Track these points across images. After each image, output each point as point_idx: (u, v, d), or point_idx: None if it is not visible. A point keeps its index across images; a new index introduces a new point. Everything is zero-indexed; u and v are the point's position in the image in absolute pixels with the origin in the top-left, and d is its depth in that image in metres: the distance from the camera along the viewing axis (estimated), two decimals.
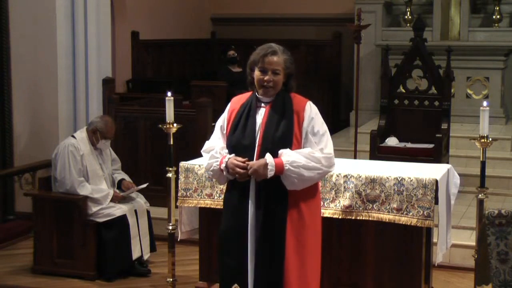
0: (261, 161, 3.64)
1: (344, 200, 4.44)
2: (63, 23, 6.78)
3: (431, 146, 6.65)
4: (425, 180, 4.30)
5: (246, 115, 3.78)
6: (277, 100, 3.77)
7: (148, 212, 5.85)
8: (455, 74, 7.23)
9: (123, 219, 5.59)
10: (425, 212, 4.28)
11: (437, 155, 6.49)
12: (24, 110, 6.89)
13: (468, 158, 7.62)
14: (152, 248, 5.85)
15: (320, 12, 11.29)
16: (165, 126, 4.75)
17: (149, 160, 6.98)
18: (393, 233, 4.43)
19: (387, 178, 4.38)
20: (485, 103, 4.36)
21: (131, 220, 5.64)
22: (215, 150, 3.83)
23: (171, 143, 4.80)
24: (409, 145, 6.80)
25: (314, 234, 3.82)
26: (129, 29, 9.75)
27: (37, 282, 5.55)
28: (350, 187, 4.43)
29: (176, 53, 10.92)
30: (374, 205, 4.39)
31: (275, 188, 3.68)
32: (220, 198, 4.41)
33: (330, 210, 4.46)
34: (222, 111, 3.97)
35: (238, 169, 3.65)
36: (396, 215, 4.35)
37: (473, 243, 4.99)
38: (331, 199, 4.47)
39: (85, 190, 5.55)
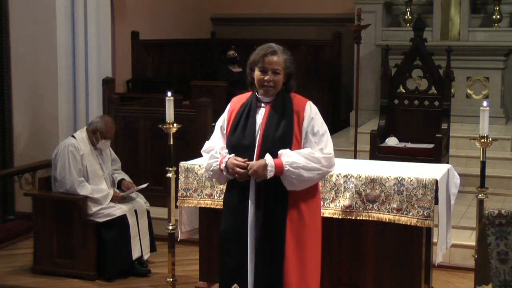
0: (261, 161, 3.64)
1: (344, 200, 4.44)
2: (63, 23, 6.78)
3: (431, 146, 6.65)
4: (425, 180, 4.30)
5: (246, 115, 3.78)
6: (277, 100, 3.77)
7: (148, 212, 5.85)
8: (455, 74, 7.23)
9: (123, 219, 5.59)
10: (425, 212, 4.28)
11: (437, 155, 6.49)
12: (24, 110, 6.89)
13: (468, 158, 7.62)
14: (152, 248, 5.85)
15: (320, 12, 11.29)
16: (165, 126, 4.75)
17: (149, 160, 6.98)
18: (393, 233, 4.43)
19: (387, 178, 4.38)
20: (485, 103, 4.36)
21: (131, 220, 5.64)
22: (215, 150, 3.83)
23: (171, 143, 4.80)
24: (409, 145, 6.80)
25: (314, 234, 3.82)
26: (129, 29, 9.75)
27: (37, 282, 5.55)
28: (350, 187, 4.43)
29: (176, 53, 10.92)
30: (374, 205, 4.39)
31: (275, 188, 3.68)
32: (220, 198, 4.41)
33: (330, 210, 4.46)
34: (222, 111, 3.97)
35: (238, 169, 3.65)
36: (396, 215, 4.35)
37: (473, 243, 4.98)
38: (331, 199, 4.47)
39: (85, 190, 5.55)
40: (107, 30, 7.32)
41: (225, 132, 3.87)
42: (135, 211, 5.71)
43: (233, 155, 3.72)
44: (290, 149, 3.67)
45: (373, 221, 4.42)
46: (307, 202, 3.76)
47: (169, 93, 4.74)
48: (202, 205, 4.77)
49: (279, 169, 3.62)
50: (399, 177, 4.36)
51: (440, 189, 4.32)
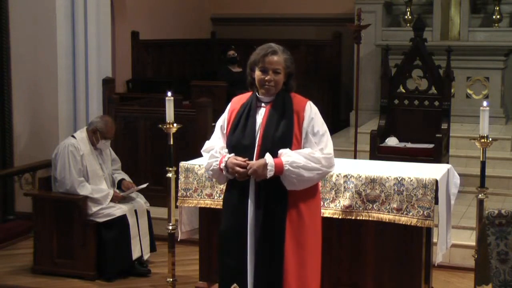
0: (261, 161, 3.64)
1: (344, 200, 4.44)
2: (63, 23, 6.78)
3: (431, 146, 6.65)
4: (425, 180, 4.30)
5: (246, 115, 3.78)
6: (277, 100, 3.77)
7: (148, 212, 5.85)
8: (455, 74, 7.23)
9: (123, 219, 5.59)
10: (425, 212, 4.28)
11: (437, 155, 6.48)
12: (24, 110, 6.89)
13: (468, 158, 7.62)
14: (152, 248, 5.85)
15: (320, 12, 11.29)
16: (165, 126, 4.75)
17: (149, 160, 6.98)
18: (393, 233, 4.43)
19: (387, 178, 4.38)
20: (485, 103, 4.36)
21: (131, 220, 5.64)
22: (215, 149, 3.83)
23: (171, 143, 4.80)
24: (409, 145, 6.80)
25: (314, 235, 3.81)
26: (129, 29, 9.75)
27: (37, 282, 5.55)
28: (350, 187, 4.43)
29: (176, 53, 10.92)
30: (374, 205, 4.39)
31: (275, 188, 3.68)
32: (220, 198, 4.41)
33: (330, 210, 4.46)
34: (222, 111, 3.97)
35: (238, 168, 3.65)
36: (396, 215, 4.35)
37: (473, 243, 4.98)
38: (331, 199, 4.47)
39: (85, 190, 5.55)
40: (107, 30, 7.32)
41: (225, 132, 3.87)
42: (135, 211, 5.71)
43: (233, 154, 3.72)
44: (290, 149, 3.67)
45: (373, 221, 4.42)
46: (307, 202, 3.76)
47: (169, 93, 4.74)
48: (202, 205, 4.77)
49: (279, 168, 3.62)
50: (399, 177, 4.36)
51: (440, 189, 4.32)
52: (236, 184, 3.75)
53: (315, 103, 3.86)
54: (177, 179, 4.82)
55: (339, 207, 4.45)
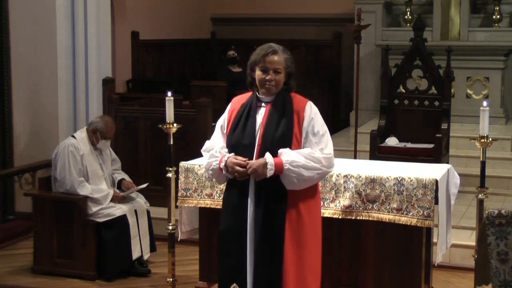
0: (261, 160, 3.64)
1: (344, 200, 4.44)
2: (63, 23, 6.78)
3: (431, 146, 6.65)
4: (425, 180, 4.30)
5: (246, 114, 3.79)
6: (277, 100, 3.78)
7: (148, 212, 5.85)
8: (455, 74, 7.23)
9: (123, 219, 5.59)
10: (425, 212, 4.28)
11: (437, 155, 6.48)
12: (24, 110, 6.89)
13: (468, 158, 7.62)
14: (152, 248, 5.85)
15: (320, 12, 11.29)
16: (165, 126, 4.75)
17: (149, 160, 6.98)
18: (393, 233, 4.43)
19: (387, 178, 4.38)
20: (485, 103, 4.36)
21: (131, 220, 5.64)
22: (215, 149, 3.83)
23: (171, 143, 4.80)
24: (409, 145, 6.80)
25: (314, 235, 3.81)
26: (129, 29, 9.75)
27: (37, 282, 5.55)
28: (350, 187, 4.43)
29: (176, 53, 10.92)
30: (374, 205, 4.39)
31: (275, 188, 3.68)
32: (220, 198, 4.40)
33: (330, 210, 4.46)
34: (222, 111, 3.98)
35: (238, 168, 3.65)
36: (396, 215, 4.35)
37: (473, 243, 4.98)
38: (331, 199, 4.47)
39: (85, 190, 5.55)
40: (107, 30, 7.32)
41: (225, 131, 3.87)
42: (135, 211, 5.71)
43: (232, 154, 3.72)
44: (290, 148, 3.67)
45: (373, 221, 4.42)
46: (307, 202, 3.76)
47: (169, 93, 4.74)
48: (202, 205, 4.77)
49: (279, 167, 3.62)
50: (399, 177, 4.36)
51: (440, 189, 4.32)
52: (236, 183, 3.75)
53: (315, 103, 3.87)
54: (177, 179, 4.82)
55: (339, 207, 4.45)
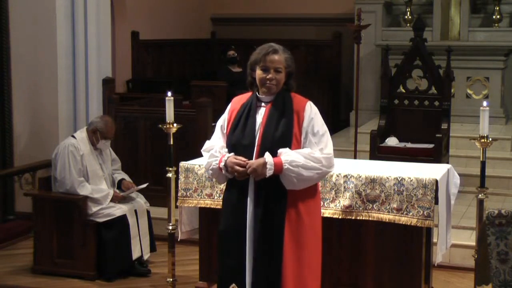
0: (260, 160, 3.64)
1: (344, 200, 4.44)
2: (63, 23, 6.78)
3: (431, 146, 6.65)
4: (425, 180, 4.30)
5: (246, 114, 3.79)
6: (277, 100, 3.78)
7: (148, 212, 5.85)
8: (455, 74, 7.23)
9: (123, 219, 5.59)
10: (425, 212, 4.28)
11: (437, 155, 6.48)
12: (24, 110, 6.89)
13: (468, 158, 7.62)
14: (152, 248, 5.85)
15: (320, 12, 11.29)
16: (165, 126, 4.75)
17: (149, 160, 6.98)
18: (393, 233, 4.43)
19: (387, 178, 4.38)
20: (485, 103, 4.36)
21: (131, 220, 5.64)
22: (215, 149, 3.84)
23: (171, 143, 4.80)
24: (409, 145, 6.80)
25: (314, 235, 3.81)
26: (129, 29, 9.75)
27: (37, 282, 5.55)
28: (350, 187, 4.43)
29: (176, 53, 10.92)
30: (374, 205, 4.39)
31: (274, 187, 3.68)
32: (220, 198, 4.40)
33: (330, 210, 4.46)
34: (222, 111, 3.98)
35: (237, 167, 3.65)
36: (396, 215, 4.35)
37: (473, 243, 4.98)
38: (331, 199, 4.47)
39: (85, 190, 5.55)
40: (107, 30, 7.32)
41: (225, 131, 3.88)
42: (135, 211, 5.71)
43: (232, 154, 3.72)
44: (290, 148, 3.67)
45: (373, 221, 4.42)
46: (306, 202, 3.76)
47: (169, 93, 4.74)
48: (202, 205, 4.77)
49: (279, 167, 3.62)
50: (399, 177, 4.36)
51: (440, 189, 4.32)
52: (235, 183, 3.75)
53: (315, 103, 3.87)
54: (177, 179, 4.82)
55: (339, 207, 4.45)
